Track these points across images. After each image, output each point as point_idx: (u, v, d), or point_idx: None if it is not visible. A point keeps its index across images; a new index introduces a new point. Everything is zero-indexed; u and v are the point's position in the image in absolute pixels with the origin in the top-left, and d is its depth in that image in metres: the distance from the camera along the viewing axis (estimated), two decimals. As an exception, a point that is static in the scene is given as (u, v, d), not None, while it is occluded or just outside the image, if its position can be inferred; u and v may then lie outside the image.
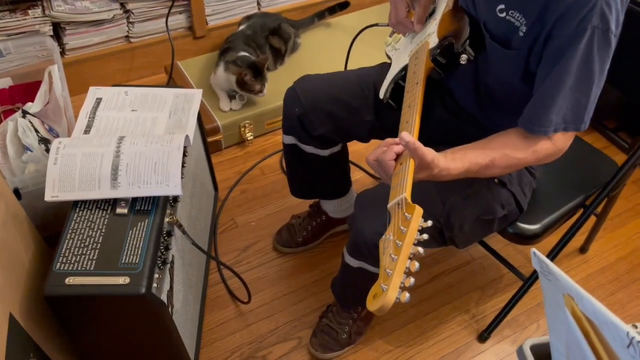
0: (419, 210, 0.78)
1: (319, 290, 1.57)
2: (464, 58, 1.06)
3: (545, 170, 1.27)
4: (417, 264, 0.73)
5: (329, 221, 1.64)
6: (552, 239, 1.36)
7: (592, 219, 1.60)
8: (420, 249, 0.74)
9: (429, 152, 0.90)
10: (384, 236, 0.82)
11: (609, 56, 0.94)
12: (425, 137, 1.27)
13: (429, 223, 0.77)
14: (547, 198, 1.29)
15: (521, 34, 0.98)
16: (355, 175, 1.87)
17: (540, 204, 1.28)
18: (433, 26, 1.17)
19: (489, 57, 1.07)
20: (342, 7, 2.28)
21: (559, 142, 0.99)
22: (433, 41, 1.12)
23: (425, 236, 0.75)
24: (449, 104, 1.25)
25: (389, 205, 0.86)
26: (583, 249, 1.72)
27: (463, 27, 1.09)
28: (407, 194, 0.84)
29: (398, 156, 0.93)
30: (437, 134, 1.25)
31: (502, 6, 1.00)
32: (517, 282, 1.49)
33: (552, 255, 1.38)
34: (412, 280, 0.72)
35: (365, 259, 1.16)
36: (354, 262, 1.20)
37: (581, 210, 1.35)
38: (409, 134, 0.90)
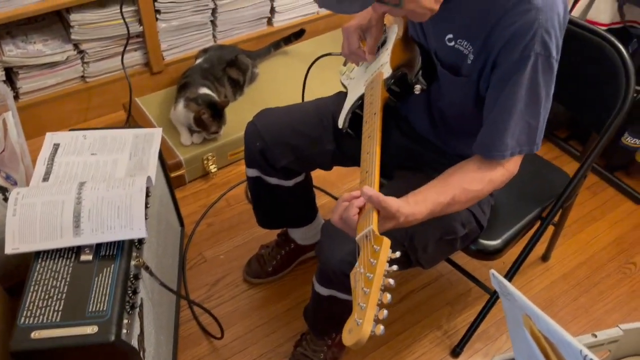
0: (386, 242, 0.80)
1: (292, 319, 1.58)
2: (417, 88, 1.09)
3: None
4: (389, 296, 0.75)
5: (298, 249, 1.65)
6: (514, 250, 1.40)
7: (551, 228, 1.66)
8: (391, 281, 0.76)
9: (393, 203, 0.90)
10: (354, 268, 0.84)
11: (553, 79, 0.99)
12: (387, 164, 1.31)
13: (398, 254, 0.79)
14: (505, 213, 1.34)
15: (469, 61, 1.02)
16: (321, 200, 1.89)
17: (500, 219, 1.32)
18: (385, 56, 1.20)
19: (441, 84, 1.11)
20: (297, 36, 2.32)
21: (510, 167, 1.03)
22: (387, 71, 1.16)
23: (395, 267, 0.78)
24: (406, 130, 1.29)
25: (357, 237, 0.88)
26: (545, 257, 1.77)
27: (415, 57, 1.12)
28: (374, 225, 0.86)
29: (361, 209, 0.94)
30: (397, 159, 1.29)
31: (450, 35, 1.04)
32: (485, 294, 1.53)
33: (515, 267, 1.42)
34: (385, 312, 0.73)
35: (335, 287, 1.18)
36: (324, 291, 1.22)
37: (539, 222, 1.40)
38: (370, 186, 0.91)
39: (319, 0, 0.91)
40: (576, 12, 1.90)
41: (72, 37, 1.91)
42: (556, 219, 1.53)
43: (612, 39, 1.23)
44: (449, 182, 1.02)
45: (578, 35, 1.27)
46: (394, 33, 1.23)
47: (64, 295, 1.02)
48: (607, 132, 1.27)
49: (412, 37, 1.18)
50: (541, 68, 0.95)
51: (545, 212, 1.39)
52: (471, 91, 1.06)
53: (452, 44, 1.04)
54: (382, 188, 1.21)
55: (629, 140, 1.93)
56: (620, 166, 2.07)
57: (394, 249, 0.81)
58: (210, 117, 1.82)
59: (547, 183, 1.44)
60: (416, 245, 1.14)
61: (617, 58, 1.23)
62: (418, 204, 0.97)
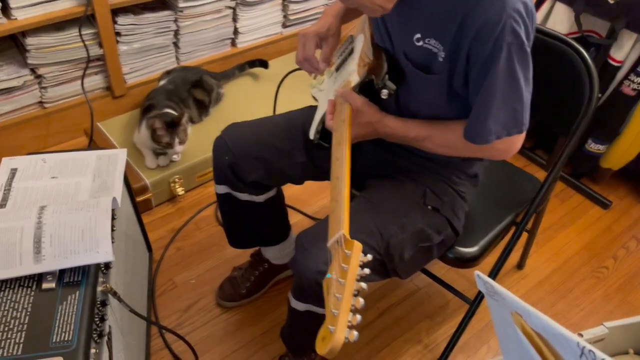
0: (358, 246, 0.78)
1: (269, 342, 1.52)
2: (384, 93, 1.09)
3: (475, 194, 1.31)
4: (362, 301, 0.72)
5: (272, 269, 1.61)
6: (489, 260, 1.39)
7: (524, 236, 1.67)
8: (364, 285, 0.74)
9: (358, 99, 1.09)
10: (327, 276, 0.81)
11: (529, 63, 1.00)
12: (359, 174, 1.29)
13: (369, 257, 0.77)
14: (480, 220, 1.33)
15: (440, 59, 1.03)
16: (294, 218, 1.86)
17: (475, 226, 1.32)
18: (353, 65, 1.20)
19: (413, 84, 1.11)
20: (263, 64, 2.30)
21: (500, 146, 1.07)
22: (354, 79, 1.15)
23: (367, 271, 0.75)
24: (376, 139, 1.27)
25: (328, 244, 0.85)
26: (520, 266, 1.78)
27: (381, 63, 1.12)
28: (345, 230, 0.84)
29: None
30: (369, 169, 1.27)
31: (418, 35, 1.04)
32: (463, 306, 1.51)
33: (493, 275, 1.41)
34: (359, 317, 0.71)
35: (311, 300, 1.14)
36: (300, 306, 1.18)
37: (513, 228, 1.40)
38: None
39: None
40: (535, 24, 1.94)
41: (29, 61, 1.84)
42: (529, 225, 1.53)
43: (576, 45, 1.26)
44: (434, 124, 1.12)
45: (542, 42, 1.29)
46: (361, 42, 1.23)
47: (25, 326, 0.95)
48: (574, 135, 1.28)
49: (377, 44, 1.17)
50: (515, 55, 0.96)
51: (519, 217, 1.39)
52: (444, 88, 1.07)
53: (421, 43, 1.04)
54: (356, 198, 1.20)
55: (592, 146, 1.98)
56: (586, 173, 2.11)
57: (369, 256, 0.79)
58: (162, 127, 1.76)
59: (519, 189, 1.44)
60: (392, 253, 1.11)
61: (581, 64, 1.26)
62: (396, 119, 1.13)
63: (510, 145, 1.09)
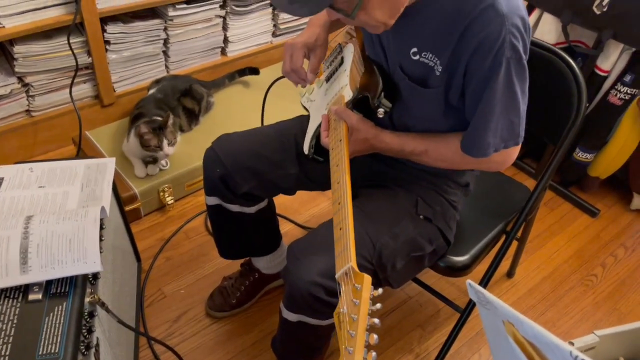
0: (367, 279, 0.78)
1: (259, 352, 1.51)
2: (380, 112, 1.08)
3: (466, 203, 1.31)
4: (375, 337, 0.72)
5: (263, 278, 1.60)
6: (480, 268, 1.40)
7: (514, 244, 1.67)
8: (376, 320, 0.74)
9: (353, 116, 1.08)
10: (337, 308, 0.81)
11: (526, 75, 1.01)
12: (351, 184, 1.29)
13: (380, 291, 0.77)
14: (471, 229, 1.34)
15: (437, 73, 1.03)
16: (284, 227, 1.85)
17: (466, 235, 1.32)
18: (345, 78, 1.18)
19: (408, 98, 1.11)
20: (253, 71, 2.30)
21: (497, 158, 1.08)
22: (347, 94, 1.13)
23: (378, 306, 0.75)
24: (369, 149, 1.27)
25: (337, 276, 0.85)
26: (510, 274, 1.78)
27: (376, 81, 1.10)
28: (353, 262, 0.83)
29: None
30: (361, 179, 1.27)
31: (414, 49, 1.04)
32: (454, 314, 1.51)
33: (484, 283, 1.41)
34: (374, 354, 0.71)
35: (304, 311, 1.13)
36: (292, 317, 1.16)
37: (504, 237, 1.40)
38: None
39: None
40: (522, 34, 1.96)
41: (16, 69, 1.83)
42: (519, 233, 1.54)
43: (565, 55, 1.27)
44: (430, 138, 1.12)
45: (531, 52, 1.29)
46: (350, 53, 1.22)
47: (11, 338, 0.94)
48: (563, 144, 1.29)
49: (369, 58, 1.17)
50: (514, 69, 0.97)
51: (509, 226, 1.40)
52: (440, 101, 1.07)
53: (417, 57, 1.04)
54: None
55: (580, 155, 1.99)
56: (574, 181, 2.13)
57: (361, 267, 0.79)
58: (149, 132, 1.75)
59: (509, 197, 1.45)
60: (385, 263, 1.11)
61: (569, 74, 1.27)
62: (392, 134, 1.12)
63: (507, 157, 1.09)
